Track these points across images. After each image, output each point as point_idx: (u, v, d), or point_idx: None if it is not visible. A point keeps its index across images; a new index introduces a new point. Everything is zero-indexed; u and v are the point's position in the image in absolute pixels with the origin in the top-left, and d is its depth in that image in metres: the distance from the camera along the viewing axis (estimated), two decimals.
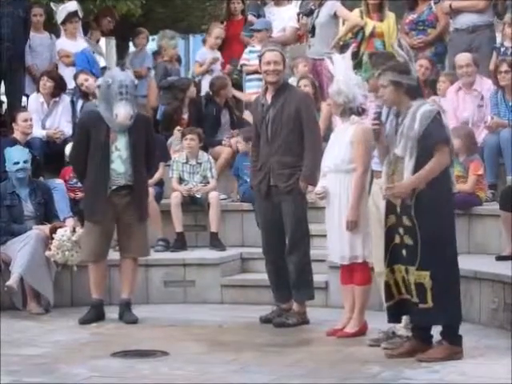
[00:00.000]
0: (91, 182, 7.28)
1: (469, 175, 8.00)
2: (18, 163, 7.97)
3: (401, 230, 6.03)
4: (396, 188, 5.92)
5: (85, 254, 7.36)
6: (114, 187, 7.20)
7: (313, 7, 10.03)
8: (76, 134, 7.67)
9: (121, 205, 7.21)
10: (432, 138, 5.89)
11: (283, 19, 10.15)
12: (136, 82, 7.41)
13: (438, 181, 5.92)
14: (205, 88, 9.97)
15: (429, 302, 5.93)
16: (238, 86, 10.05)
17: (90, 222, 7.27)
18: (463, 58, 8.78)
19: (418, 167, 5.92)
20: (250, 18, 10.59)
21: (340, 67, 6.70)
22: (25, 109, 9.20)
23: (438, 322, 6.05)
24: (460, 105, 8.70)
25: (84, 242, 7.37)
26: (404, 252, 6.03)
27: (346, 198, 6.63)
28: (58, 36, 10.03)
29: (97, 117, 7.26)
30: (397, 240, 6.07)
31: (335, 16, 9.93)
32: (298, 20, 10.27)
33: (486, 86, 8.73)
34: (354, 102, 6.62)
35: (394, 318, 6.22)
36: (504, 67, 8.39)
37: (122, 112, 7.08)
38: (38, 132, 9.10)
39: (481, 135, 8.47)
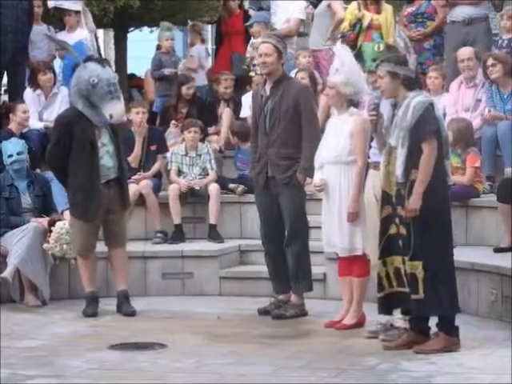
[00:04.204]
0: (81, 181, 7.17)
1: (466, 167, 7.99)
2: (11, 156, 7.98)
3: (397, 220, 6.06)
4: (410, 206, 5.92)
5: (76, 249, 7.36)
6: (103, 181, 7.21)
7: None
8: (56, 133, 7.35)
9: (109, 197, 7.23)
10: (422, 129, 5.93)
11: (288, 10, 10.13)
12: (117, 76, 7.31)
13: (431, 173, 5.92)
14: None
15: (420, 293, 5.95)
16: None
17: (81, 221, 7.23)
18: (465, 51, 8.75)
19: (409, 157, 5.94)
20: (251, 12, 10.58)
21: (347, 58, 6.68)
22: (23, 100, 9.19)
23: (432, 313, 6.06)
24: (460, 98, 8.68)
25: (74, 237, 7.35)
26: (400, 242, 6.05)
27: (347, 189, 6.63)
28: (60, 28, 10.07)
29: (78, 114, 7.19)
30: (393, 230, 6.09)
31: (330, 7, 9.92)
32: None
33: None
34: (358, 95, 6.64)
35: (385, 309, 6.24)
36: (490, 61, 8.36)
37: (118, 111, 7.06)
38: (36, 124, 9.09)
39: (477, 127, 8.45)
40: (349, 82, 6.58)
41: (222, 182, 8.85)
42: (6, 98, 9.87)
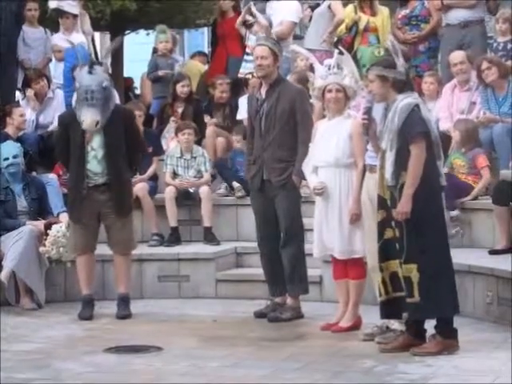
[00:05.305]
0: (70, 182, 7.44)
1: (479, 170, 7.95)
2: (7, 159, 7.99)
3: (393, 224, 6.06)
4: (400, 209, 5.94)
5: (70, 248, 7.44)
6: (91, 185, 7.23)
7: (320, 1, 10.07)
8: (57, 131, 7.73)
9: (100, 201, 7.25)
10: (409, 131, 5.95)
11: (281, 13, 10.15)
12: (106, 83, 7.13)
13: (422, 175, 5.93)
14: None
15: (416, 296, 5.95)
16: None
17: (71, 220, 7.38)
18: (457, 55, 8.78)
19: (398, 159, 5.96)
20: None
21: (349, 61, 6.70)
22: (19, 104, 9.19)
23: (429, 316, 6.06)
24: (455, 102, 8.70)
25: (69, 237, 7.46)
26: (397, 246, 6.06)
27: (347, 191, 6.63)
28: (56, 31, 10.10)
29: (74, 116, 7.24)
30: (389, 234, 6.10)
31: (331, 8, 9.95)
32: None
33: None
34: (354, 97, 6.69)
35: (385, 314, 6.23)
36: (485, 64, 8.37)
37: (87, 118, 7.05)
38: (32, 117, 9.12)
39: None
40: (359, 85, 6.62)
41: (228, 178, 8.83)
42: None
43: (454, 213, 7.74)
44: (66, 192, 8.42)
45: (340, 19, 9.64)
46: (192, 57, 13.12)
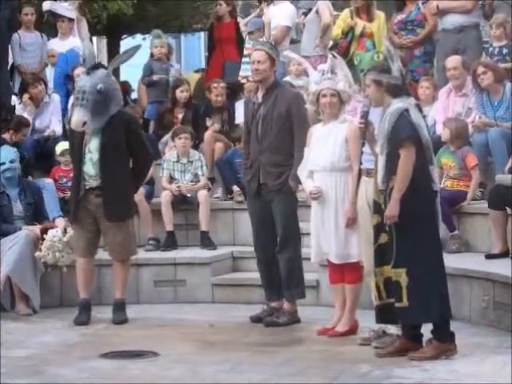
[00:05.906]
0: (72, 183, 7.53)
1: (468, 170, 7.94)
2: (3, 164, 7.97)
3: (387, 228, 6.05)
4: (387, 212, 5.95)
5: (73, 248, 7.50)
6: (87, 187, 7.24)
7: (313, 6, 10.12)
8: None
9: (95, 204, 7.24)
10: (397, 136, 5.96)
11: (276, 18, 10.16)
12: (100, 86, 7.05)
13: (412, 179, 5.94)
14: None
15: (404, 301, 5.94)
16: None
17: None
18: (452, 61, 8.81)
19: (388, 164, 5.97)
20: (239, 20, 10.65)
21: (343, 66, 6.72)
22: (28, 122, 9.17)
23: (417, 321, 6.04)
24: (450, 106, 8.71)
25: (72, 238, 7.51)
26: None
27: (343, 195, 6.63)
28: (52, 36, 10.13)
29: None
30: (383, 239, 6.09)
31: (318, 13, 9.98)
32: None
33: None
34: (349, 101, 6.69)
35: (381, 319, 6.22)
36: (480, 69, 8.38)
37: (74, 118, 7.08)
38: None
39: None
40: (353, 89, 6.64)
41: (227, 181, 8.81)
42: None
43: (454, 232, 7.77)
44: (62, 196, 8.50)
45: (326, 23, 9.68)
46: (195, 72, 13.22)
